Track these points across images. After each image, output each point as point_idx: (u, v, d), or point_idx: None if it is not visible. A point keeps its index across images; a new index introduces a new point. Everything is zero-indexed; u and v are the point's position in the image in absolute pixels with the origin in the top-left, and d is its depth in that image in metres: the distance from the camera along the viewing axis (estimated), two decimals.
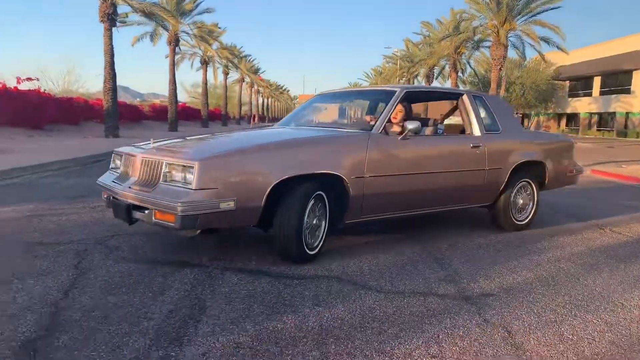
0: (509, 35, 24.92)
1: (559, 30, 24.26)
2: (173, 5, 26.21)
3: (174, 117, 27.43)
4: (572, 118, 47.25)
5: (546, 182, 5.31)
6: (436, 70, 39.68)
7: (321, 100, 5.67)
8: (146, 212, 3.30)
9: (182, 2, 27.36)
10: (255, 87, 67.34)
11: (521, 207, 5.14)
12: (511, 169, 4.88)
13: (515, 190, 5.02)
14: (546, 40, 24.66)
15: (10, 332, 2.42)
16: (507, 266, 3.81)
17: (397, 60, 46.41)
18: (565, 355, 2.38)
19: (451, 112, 5.55)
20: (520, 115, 52.76)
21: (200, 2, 28.42)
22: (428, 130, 4.66)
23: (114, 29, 18.61)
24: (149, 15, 20.82)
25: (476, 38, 29.21)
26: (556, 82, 45.02)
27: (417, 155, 4.22)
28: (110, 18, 18.18)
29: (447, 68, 37.49)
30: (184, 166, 3.21)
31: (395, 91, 4.42)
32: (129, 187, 3.47)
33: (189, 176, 3.17)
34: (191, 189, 3.13)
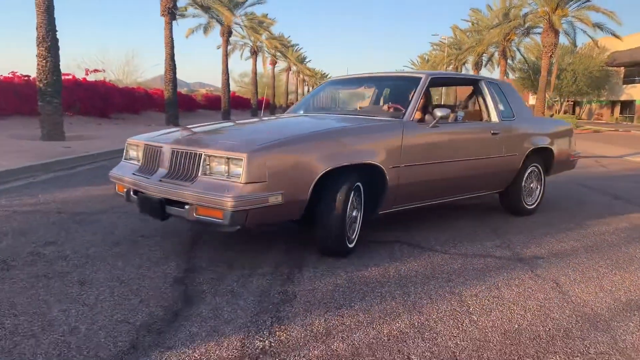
0: (561, 21, 24.59)
1: (614, 16, 23.77)
2: None
3: (227, 106, 28.48)
4: (627, 105, 45.74)
5: (552, 167, 5.48)
6: (484, 57, 39.29)
7: (335, 86, 5.63)
8: (186, 207, 3.07)
9: None
10: (301, 76, 68.14)
11: (530, 191, 5.27)
12: (525, 155, 5.01)
13: (526, 176, 5.13)
14: (600, 27, 24.19)
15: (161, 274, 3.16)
16: (556, 237, 4.31)
17: (445, 47, 46.08)
18: (604, 300, 2.91)
19: (469, 99, 5.56)
20: (571, 103, 51.48)
21: None
22: (450, 117, 4.51)
23: (173, 22, 19.63)
24: (205, 8, 21.76)
25: (526, 25, 28.87)
26: (610, 68, 43.70)
27: (446, 143, 4.22)
28: (171, 12, 19.19)
29: (496, 55, 37.08)
30: (229, 158, 3.00)
31: (421, 77, 4.35)
32: (159, 181, 3.26)
33: (236, 169, 2.97)
34: (239, 183, 2.92)
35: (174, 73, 19.87)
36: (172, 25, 19.44)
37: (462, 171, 4.35)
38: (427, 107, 4.47)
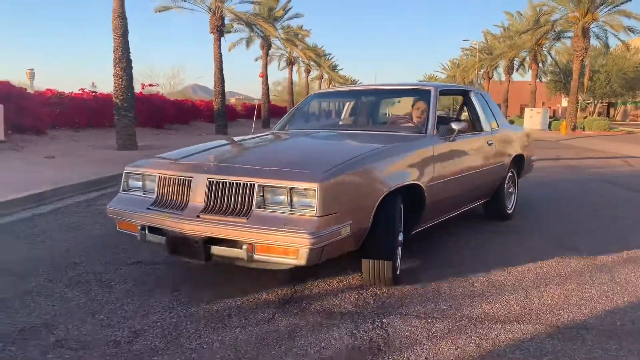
0: (591, 26, 25.18)
1: None
2: (265, 12, 28.69)
3: (266, 115, 29.95)
4: None
5: (523, 171, 5.72)
6: (516, 61, 39.84)
7: (326, 98, 5.60)
8: (243, 247, 2.69)
9: (273, 10, 29.81)
10: (333, 83, 69.58)
11: (509, 195, 5.37)
12: (510, 162, 5.17)
13: (506, 181, 5.21)
14: (631, 30, 24.69)
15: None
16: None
17: (476, 52, 46.72)
18: None
19: (461, 110, 5.64)
20: (606, 105, 51.28)
21: (289, 9, 30.75)
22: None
23: (221, 38, 21.18)
24: (249, 24, 23.28)
25: (557, 29, 29.46)
26: None
27: (462, 155, 4.19)
28: (219, 30, 20.73)
29: (527, 59, 37.62)
30: (293, 189, 2.67)
31: (430, 90, 4.27)
32: (198, 217, 2.81)
33: (305, 200, 2.65)
34: (313, 216, 2.61)
35: (223, 86, 21.38)
36: (220, 42, 20.98)
37: (473, 182, 4.35)
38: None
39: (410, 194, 3.42)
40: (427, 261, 3.87)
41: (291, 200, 2.68)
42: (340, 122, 5.05)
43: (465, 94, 5.02)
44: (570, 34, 27.72)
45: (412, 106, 4.40)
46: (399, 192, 3.20)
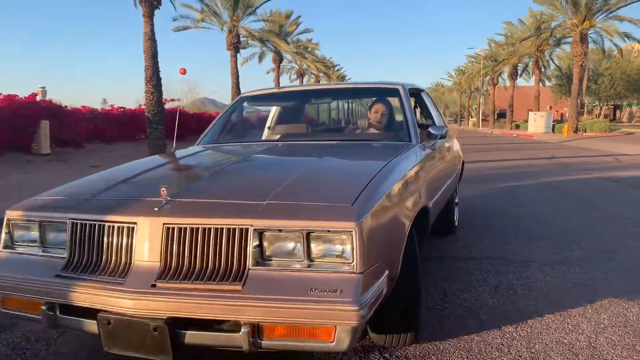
0: (589, 32, 26.30)
1: None
2: (277, 29, 30.15)
3: None
4: None
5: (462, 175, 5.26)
6: (519, 67, 40.96)
7: (264, 102, 4.41)
8: (242, 330, 1.72)
9: (284, 26, 31.28)
10: None
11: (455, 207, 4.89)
12: (461, 166, 4.82)
13: (457, 190, 4.80)
14: (627, 36, 25.80)
15: None
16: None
17: (481, 60, 47.88)
18: None
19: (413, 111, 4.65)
20: (612, 107, 52.06)
21: (300, 24, 32.23)
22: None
23: (237, 54, 22.58)
24: (262, 41, 24.70)
25: (558, 36, 30.60)
26: None
27: (439, 166, 3.60)
28: (235, 46, 22.14)
29: (530, 65, 38.72)
30: (315, 231, 1.76)
31: (398, 89, 3.55)
32: (154, 286, 1.77)
33: (335, 247, 1.77)
34: (354, 273, 1.73)
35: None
36: (237, 58, 22.39)
37: (446, 194, 3.84)
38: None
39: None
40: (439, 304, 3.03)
41: (308, 249, 1.76)
42: (291, 131, 3.64)
43: (417, 93, 4.16)
44: (570, 40, 28.82)
45: (371, 109, 3.65)
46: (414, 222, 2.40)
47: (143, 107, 14.35)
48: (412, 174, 2.62)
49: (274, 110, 4.39)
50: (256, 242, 1.80)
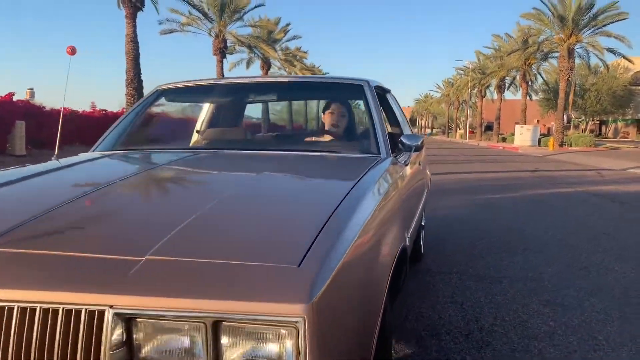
0: (575, 46, 26.52)
1: (626, 41, 25.62)
2: (265, 35, 30.04)
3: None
4: None
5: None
6: (507, 80, 41.25)
7: (186, 97, 3.48)
8: None
9: (273, 32, 31.16)
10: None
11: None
12: (429, 180, 4.32)
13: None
14: (612, 51, 26.05)
15: None
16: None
17: (469, 72, 48.16)
18: None
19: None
20: (598, 122, 52.60)
21: (288, 31, 32.12)
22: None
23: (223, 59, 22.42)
24: (250, 47, 24.57)
25: (545, 50, 30.86)
26: (634, 87, 44.95)
27: (414, 184, 2.98)
28: (222, 51, 21.98)
29: (518, 78, 39.02)
30: (231, 320, 0.96)
31: (362, 85, 2.81)
32: None
33: (269, 348, 0.97)
34: None
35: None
36: (223, 63, 22.23)
37: (420, 216, 3.34)
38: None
39: None
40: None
41: (216, 351, 0.97)
42: (221, 137, 2.96)
43: (383, 94, 3.35)
44: (557, 54, 29.05)
45: (327, 110, 2.96)
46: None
47: (125, 109, 14.05)
48: (387, 204, 1.81)
49: (205, 109, 3.52)
50: (118, 335, 0.97)
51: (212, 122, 3.39)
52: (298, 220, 1.38)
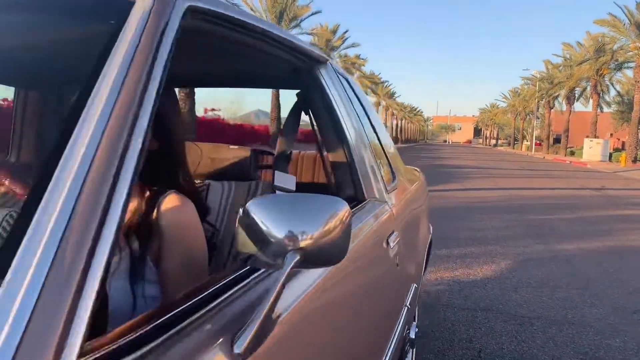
0: None
1: None
2: (323, 43, 29.92)
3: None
4: None
5: None
6: (577, 91, 39.06)
7: None
8: None
9: (330, 41, 31.01)
10: (390, 110, 70.22)
11: None
12: None
13: None
14: None
15: None
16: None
17: (536, 82, 46.09)
18: None
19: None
20: None
21: (346, 39, 31.90)
22: None
23: None
24: None
25: (619, 59, 28.93)
26: None
27: None
28: None
29: (588, 89, 36.87)
30: None
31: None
32: None
33: None
34: None
35: (279, 112, 22.71)
36: None
37: None
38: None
39: None
40: None
41: None
42: None
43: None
44: (632, 64, 27.13)
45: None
46: None
47: None
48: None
49: None
50: None
51: None
52: None
